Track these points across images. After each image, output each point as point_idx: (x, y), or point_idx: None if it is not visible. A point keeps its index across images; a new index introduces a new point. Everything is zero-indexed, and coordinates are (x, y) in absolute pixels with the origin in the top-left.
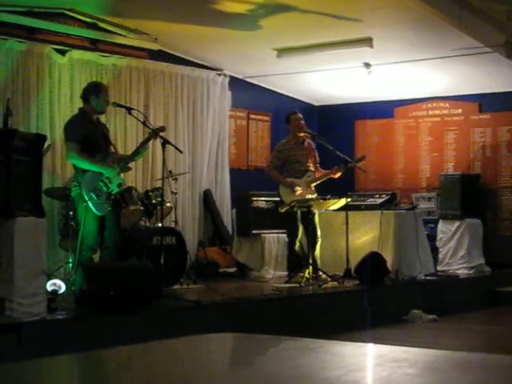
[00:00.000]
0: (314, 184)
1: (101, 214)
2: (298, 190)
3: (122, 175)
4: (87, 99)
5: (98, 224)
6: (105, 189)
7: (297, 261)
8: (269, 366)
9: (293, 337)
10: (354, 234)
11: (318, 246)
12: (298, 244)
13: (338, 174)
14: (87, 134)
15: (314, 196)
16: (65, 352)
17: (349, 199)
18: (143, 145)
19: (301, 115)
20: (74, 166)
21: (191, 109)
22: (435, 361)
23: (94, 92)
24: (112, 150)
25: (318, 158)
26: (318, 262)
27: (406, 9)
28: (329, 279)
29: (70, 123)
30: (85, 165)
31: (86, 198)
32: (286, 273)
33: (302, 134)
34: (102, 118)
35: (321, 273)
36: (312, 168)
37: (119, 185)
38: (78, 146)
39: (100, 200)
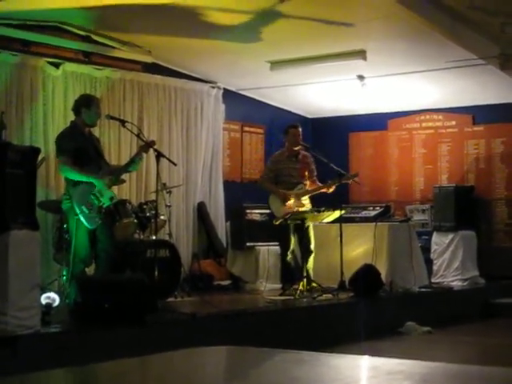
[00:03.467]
0: (305, 197)
1: (91, 227)
2: (291, 200)
3: (113, 188)
4: (79, 112)
5: (89, 237)
6: (96, 202)
7: (289, 272)
8: (264, 379)
9: (288, 349)
10: (348, 247)
11: (311, 259)
12: (289, 256)
13: (331, 189)
14: (78, 148)
15: (304, 209)
16: (59, 365)
17: (343, 211)
18: (134, 158)
19: (300, 129)
20: (66, 179)
21: (185, 121)
22: (430, 373)
23: (84, 104)
24: (104, 163)
25: (315, 171)
26: (311, 273)
27: (399, 21)
28: (321, 293)
29: (60, 137)
30: (77, 176)
31: (78, 211)
32: (280, 285)
33: (297, 148)
34: (96, 131)
35: (314, 285)
36: (305, 181)
37: (111, 198)
38: (70, 160)
39: (91, 213)
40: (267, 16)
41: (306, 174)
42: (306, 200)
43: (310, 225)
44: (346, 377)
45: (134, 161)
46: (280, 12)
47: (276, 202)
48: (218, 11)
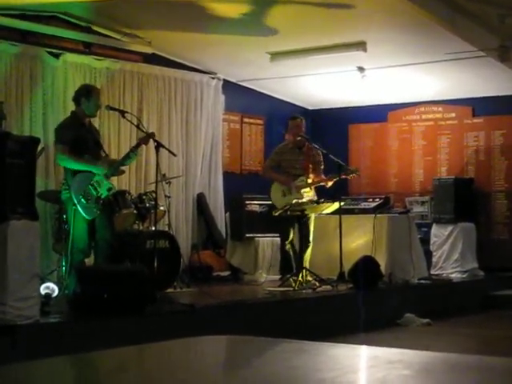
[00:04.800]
0: (304, 189)
1: (89, 217)
2: (300, 182)
3: (113, 179)
4: (78, 102)
5: (87, 227)
6: (94, 193)
7: (288, 263)
8: (263, 368)
9: (287, 339)
10: (348, 238)
11: (309, 250)
12: (288, 246)
13: (330, 183)
14: (77, 138)
15: (308, 199)
16: (58, 355)
17: (342, 203)
18: (133, 150)
19: (300, 120)
20: (64, 169)
21: (185, 112)
22: (430, 362)
23: (84, 95)
24: (102, 154)
25: (321, 164)
26: (307, 265)
27: (399, 13)
28: (317, 283)
29: (60, 126)
30: (74, 165)
31: (75, 201)
32: (279, 276)
33: (298, 139)
34: (96, 121)
35: (309, 278)
36: (308, 174)
37: (109, 189)
38: (67, 148)
39: (89, 204)
40: (267, 3)
41: (310, 166)
42: (309, 192)
43: (312, 217)
44: (346, 366)
45: (129, 156)
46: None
47: (277, 193)
48: (218, 2)
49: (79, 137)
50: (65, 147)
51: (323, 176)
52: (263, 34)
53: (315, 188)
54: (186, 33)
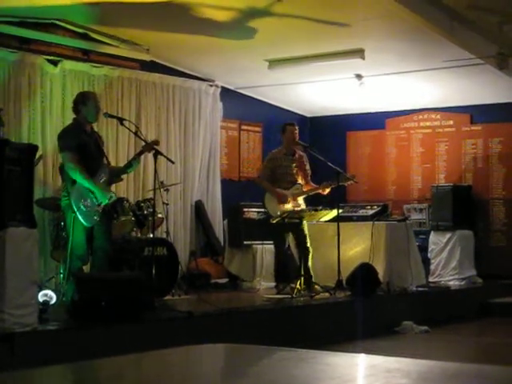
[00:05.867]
0: (301, 197)
1: (88, 224)
2: (288, 204)
3: (111, 187)
4: (78, 110)
5: (86, 234)
6: (94, 200)
7: (284, 271)
8: (261, 377)
9: (285, 347)
10: (346, 245)
11: (310, 257)
12: (282, 255)
13: (327, 190)
14: (80, 144)
15: (300, 209)
16: (56, 363)
17: (340, 210)
18: (136, 158)
19: (297, 127)
20: (65, 176)
21: (183, 119)
22: (428, 371)
23: (81, 102)
24: (105, 161)
25: (309, 171)
26: (312, 273)
27: (398, 20)
28: (321, 290)
29: (63, 133)
30: (80, 179)
31: (75, 209)
32: (274, 284)
33: (295, 146)
34: (94, 129)
35: (317, 287)
36: (300, 181)
37: (109, 197)
38: (76, 156)
39: (88, 211)
40: (264, 14)
41: (301, 173)
42: (301, 200)
43: (305, 223)
44: (344, 375)
45: (132, 164)
46: (277, 11)
47: (272, 201)
48: (216, 9)
49: (83, 144)
50: (72, 155)
51: (312, 183)
52: (261, 41)
53: (307, 196)
54: (184, 40)
